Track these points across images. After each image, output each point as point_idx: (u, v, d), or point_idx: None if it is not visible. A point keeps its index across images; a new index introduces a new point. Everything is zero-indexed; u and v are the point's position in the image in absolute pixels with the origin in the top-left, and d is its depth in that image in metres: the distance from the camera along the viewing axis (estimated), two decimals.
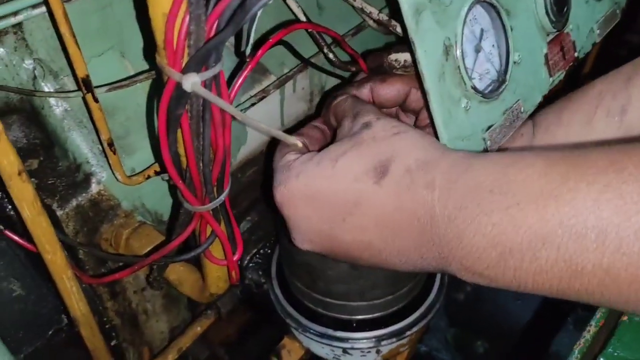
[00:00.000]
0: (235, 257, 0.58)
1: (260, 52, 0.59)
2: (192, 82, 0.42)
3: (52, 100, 0.66)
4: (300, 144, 0.40)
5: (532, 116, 0.69)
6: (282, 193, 0.51)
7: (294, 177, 0.50)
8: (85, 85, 0.56)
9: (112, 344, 0.80)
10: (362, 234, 0.49)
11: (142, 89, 0.70)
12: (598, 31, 0.73)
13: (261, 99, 0.78)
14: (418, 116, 0.65)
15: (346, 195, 0.48)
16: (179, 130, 0.47)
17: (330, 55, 0.72)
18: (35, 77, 0.65)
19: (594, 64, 1.34)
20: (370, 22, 0.76)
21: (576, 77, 0.71)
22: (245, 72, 0.59)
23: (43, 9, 0.57)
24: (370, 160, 0.47)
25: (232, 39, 0.79)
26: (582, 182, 0.40)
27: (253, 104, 0.77)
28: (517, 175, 0.42)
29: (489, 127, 0.59)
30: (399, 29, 0.64)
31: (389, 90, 0.64)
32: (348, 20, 0.88)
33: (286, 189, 0.50)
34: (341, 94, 0.61)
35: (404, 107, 0.67)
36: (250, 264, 0.82)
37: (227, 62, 0.76)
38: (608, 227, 0.38)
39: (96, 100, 0.57)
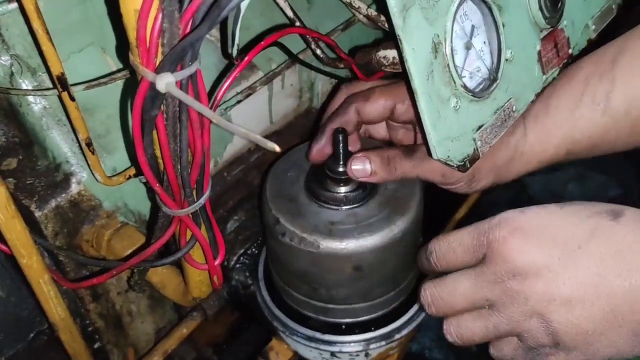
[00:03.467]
0: (217, 262, 0.57)
1: (250, 55, 0.57)
2: (166, 82, 0.40)
3: (30, 98, 0.64)
4: (278, 150, 0.38)
5: None
6: (508, 236, 0.51)
7: (519, 212, 0.53)
8: (60, 83, 0.54)
9: (96, 346, 0.79)
10: (596, 262, 0.49)
11: (122, 86, 0.68)
12: (593, 27, 0.71)
13: (248, 95, 0.76)
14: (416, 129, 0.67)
15: (580, 226, 0.51)
16: (154, 132, 0.45)
17: (319, 52, 0.70)
18: (12, 74, 0.63)
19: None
20: (360, 17, 0.73)
21: None
22: (233, 75, 0.58)
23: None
24: (602, 208, 0.52)
25: (219, 37, 0.77)
26: None
27: (239, 101, 0.75)
28: None
29: (480, 127, 0.57)
30: (388, 25, 0.62)
31: (374, 108, 0.66)
32: (337, 15, 0.86)
33: (510, 233, 0.51)
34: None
35: (393, 119, 0.67)
36: (237, 265, 0.80)
37: (215, 60, 0.75)
38: None
39: (72, 99, 0.55)
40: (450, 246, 0.55)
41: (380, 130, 0.72)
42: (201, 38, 0.40)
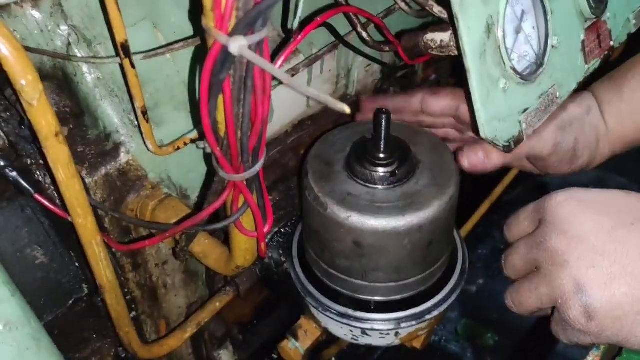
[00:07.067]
0: (266, 229, 0.58)
1: (307, 29, 0.59)
2: (239, 45, 0.42)
3: (84, 68, 0.66)
4: (348, 110, 0.39)
5: (585, 88, 0.72)
6: (562, 201, 0.54)
7: (580, 188, 0.55)
8: (124, 50, 0.56)
9: (132, 315, 0.81)
10: None
11: (172, 61, 0.70)
12: (634, 21, 0.73)
13: (291, 76, 0.77)
14: None
15: (637, 206, 0.53)
16: (220, 97, 0.47)
17: (364, 35, 0.71)
18: (69, 44, 0.65)
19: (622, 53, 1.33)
20: (402, 5, 0.75)
21: (606, 67, 0.71)
22: (292, 46, 0.60)
23: None
24: None
25: None
26: None
27: (280, 83, 0.77)
28: None
29: (525, 110, 0.59)
30: (435, 9, 0.64)
31: (438, 103, 0.69)
32: (375, 3, 0.87)
33: (565, 199, 0.54)
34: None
35: (456, 117, 0.70)
36: (271, 243, 0.82)
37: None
38: None
39: (133, 67, 0.57)
40: (517, 215, 0.59)
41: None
42: (275, 4, 0.42)
